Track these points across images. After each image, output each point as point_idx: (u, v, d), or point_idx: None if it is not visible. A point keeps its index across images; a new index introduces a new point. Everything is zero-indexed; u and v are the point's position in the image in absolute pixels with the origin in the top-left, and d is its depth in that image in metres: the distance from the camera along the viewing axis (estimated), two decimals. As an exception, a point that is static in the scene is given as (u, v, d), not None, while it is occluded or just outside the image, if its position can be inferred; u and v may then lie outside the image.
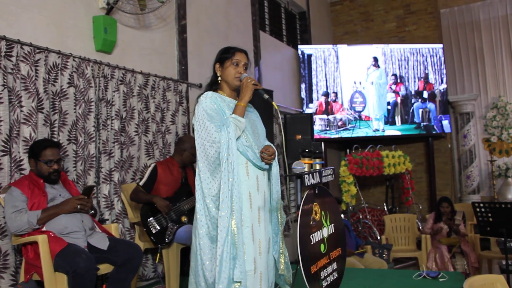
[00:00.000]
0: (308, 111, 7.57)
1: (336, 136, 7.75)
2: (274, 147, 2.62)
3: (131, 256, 3.01)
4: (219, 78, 2.69)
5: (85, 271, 2.66)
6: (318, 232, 2.26)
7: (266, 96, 2.58)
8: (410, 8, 8.72)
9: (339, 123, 7.76)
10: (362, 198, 7.15)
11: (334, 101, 7.80)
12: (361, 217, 6.75)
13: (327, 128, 7.71)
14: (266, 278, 2.54)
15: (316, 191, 2.31)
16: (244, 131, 2.55)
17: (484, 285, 2.29)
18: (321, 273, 2.22)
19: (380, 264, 5.13)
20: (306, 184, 2.13)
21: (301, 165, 2.20)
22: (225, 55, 2.68)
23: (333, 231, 2.43)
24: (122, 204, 4.01)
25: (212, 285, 2.42)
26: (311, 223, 2.20)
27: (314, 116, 7.57)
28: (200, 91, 4.93)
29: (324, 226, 2.35)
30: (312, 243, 2.18)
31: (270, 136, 5.38)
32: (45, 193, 3.01)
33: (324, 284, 2.24)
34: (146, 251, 4.20)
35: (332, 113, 7.75)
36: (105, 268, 3.01)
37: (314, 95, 7.74)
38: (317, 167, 2.47)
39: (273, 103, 2.58)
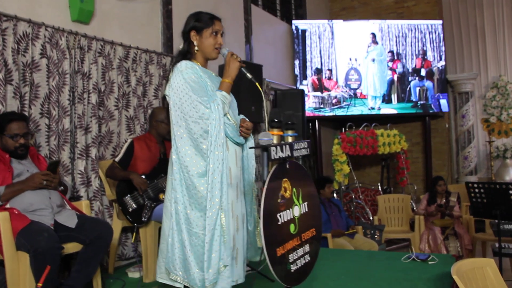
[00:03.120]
0: (301, 88, 7.35)
1: (331, 114, 7.54)
2: (248, 120, 2.50)
3: (99, 234, 2.86)
4: (196, 48, 2.52)
5: (46, 250, 2.52)
6: (288, 211, 2.09)
7: (249, 76, 2.44)
8: (410, -17, 8.43)
9: (334, 101, 7.54)
10: (355, 178, 6.99)
11: (329, 78, 7.57)
12: (353, 197, 6.60)
13: (321, 106, 7.50)
14: (242, 254, 2.48)
15: (287, 166, 2.13)
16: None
17: (473, 269, 2.15)
18: (290, 256, 2.05)
19: (371, 246, 5.00)
20: (272, 158, 1.95)
21: (268, 137, 2.01)
22: (202, 24, 2.52)
23: (307, 210, 2.26)
24: (100, 181, 3.87)
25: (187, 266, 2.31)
26: (278, 200, 2.03)
27: (308, 93, 7.35)
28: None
29: (296, 205, 2.18)
30: (279, 223, 2.01)
31: (259, 114, 5.18)
32: (11, 168, 2.86)
33: (293, 267, 2.08)
34: (125, 230, 4.08)
35: (327, 90, 7.53)
36: (73, 247, 2.87)
37: (308, 72, 7.51)
38: (289, 139, 2.29)
39: (257, 83, 2.44)
